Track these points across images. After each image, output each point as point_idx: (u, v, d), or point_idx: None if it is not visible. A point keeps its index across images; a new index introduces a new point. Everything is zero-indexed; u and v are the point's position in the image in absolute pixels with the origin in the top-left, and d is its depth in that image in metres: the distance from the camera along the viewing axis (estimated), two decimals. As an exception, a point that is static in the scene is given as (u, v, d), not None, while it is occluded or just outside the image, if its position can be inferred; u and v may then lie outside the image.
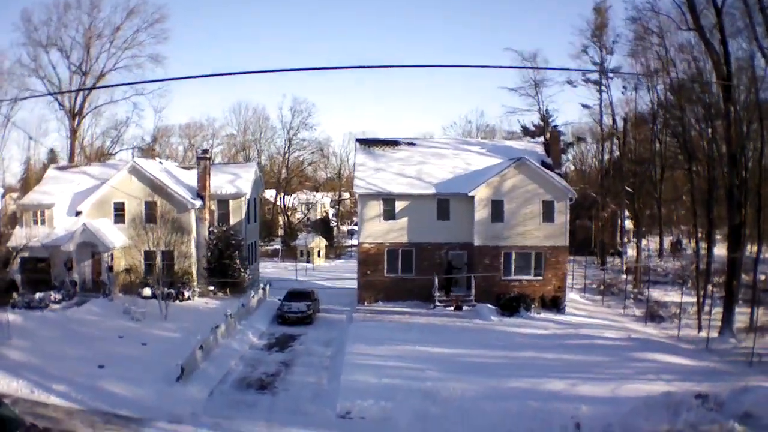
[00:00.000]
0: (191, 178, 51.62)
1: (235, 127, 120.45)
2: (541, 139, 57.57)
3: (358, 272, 48.33)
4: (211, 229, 50.52)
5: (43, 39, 75.41)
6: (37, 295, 43.36)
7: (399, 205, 47.17)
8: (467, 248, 46.96)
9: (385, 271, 47.66)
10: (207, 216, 50.03)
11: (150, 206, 48.44)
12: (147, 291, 45.72)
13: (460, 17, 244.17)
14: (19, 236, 48.04)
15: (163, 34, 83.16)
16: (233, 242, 50.27)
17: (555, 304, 45.75)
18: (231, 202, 52.02)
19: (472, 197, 45.49)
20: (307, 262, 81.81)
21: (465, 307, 44.82)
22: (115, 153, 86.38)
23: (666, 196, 74.26)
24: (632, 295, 54.44)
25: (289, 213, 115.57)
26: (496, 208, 45.92)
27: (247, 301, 44.35)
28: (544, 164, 49.05)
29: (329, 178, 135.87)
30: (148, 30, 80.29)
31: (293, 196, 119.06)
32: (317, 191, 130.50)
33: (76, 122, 75.33)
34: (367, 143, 53.87)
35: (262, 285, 50.48)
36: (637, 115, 71.25)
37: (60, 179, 52.09)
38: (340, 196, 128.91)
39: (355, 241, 51.47)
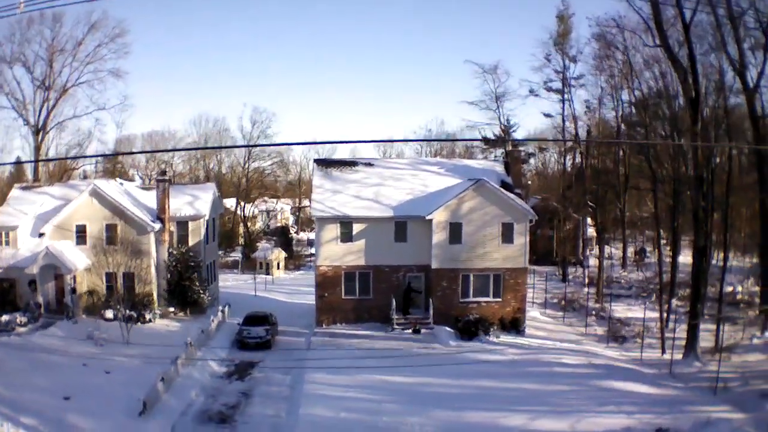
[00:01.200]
0: (151, 199, 52.96)
1: (195, 138, 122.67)
2: (501, 157, 60.00)
3: (316, 294, 49.83)
4: (170, 251, 51.95)
5: (7, 54, 76.93)
6: (4, 318, 44.35)
7: (356, 227, 48.79)
8: (425, 270, 48.78)
9: (343, 293, 49.32)
10: (166, 238, 51.48)
11: (111, 229, 49.80)
12: (109, 313, 46.87)
13: (420, 24, 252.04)
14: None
15: (123, 49, 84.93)
16: (192, 264, 51.89)
17: (514, 325, 47.69)
18: (190, 224, 53.73)
19: (430, 220, 47.32)
20: (267, 274, 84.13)
21: (423, 330, 46.50)
22: (80, 167, 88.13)
23: (630, 202, 76.90)
24: (594, 312, 56.14)
25: (249, 222, 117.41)
26: (455, 231, 47.75)
27: (207, 326, 46.00)
28: (503, 184, 50.97)
29: (290, 183, 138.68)
30: (109, 45, 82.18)
31: (253, 204, 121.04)
32: (277, 198, 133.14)
33: (39, 137, 76.93)
34: (325, 164, 55.58)
35: (221, 307, 51.96)
36: (601, 128, 73.91)
37: (23, 200, 53.21)
38: (300, 203, 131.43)
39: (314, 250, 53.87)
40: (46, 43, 78.44)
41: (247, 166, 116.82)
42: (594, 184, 73.75)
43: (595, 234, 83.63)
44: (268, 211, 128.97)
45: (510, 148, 68.55)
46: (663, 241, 63.96)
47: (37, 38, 78.61)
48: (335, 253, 49.04)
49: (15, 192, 55.56)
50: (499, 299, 48.66)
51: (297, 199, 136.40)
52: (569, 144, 78.13)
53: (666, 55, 46.89)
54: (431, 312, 47.51)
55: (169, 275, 51.40)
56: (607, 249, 78.75)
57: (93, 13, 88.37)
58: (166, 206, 51.63)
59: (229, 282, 76.54)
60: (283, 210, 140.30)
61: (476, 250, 48.07)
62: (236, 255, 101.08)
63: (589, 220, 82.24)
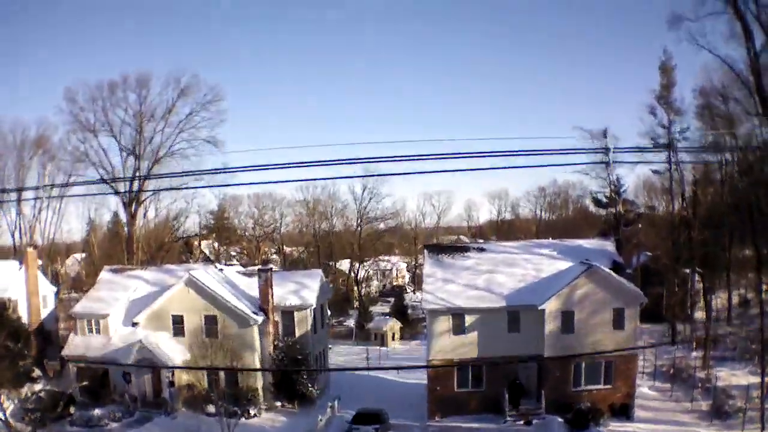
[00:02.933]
0: (253, 286, 52.97)
1: (303, 206, 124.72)
2: (612, 237, 60.08)
3: (428, 387, 50.10)
4: (276, 342, 52.07)
5: (91, 121, 77.94)
6: (97, 412, 45.19)
7: (469, 318, 49.16)
8: (537, 360, 48.96)
9: (456, 386, 49.79)
10: (271, 329, 51.59)
11: (210, 320, 50.23)
12: (211, 408, 47.19)
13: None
14: (74, 345, 50.79)
15: (219, 117, 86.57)
16: (299, 357, 51.89)
17: (624, 411, 48.04)
18: (296, 314, 53.62)
19: (543, 309, 47.70)
20: (381, 345, 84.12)
21: (535, 421, 46.91)
22: (179, 238, 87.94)
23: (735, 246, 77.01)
24: (700, 384, 55.59)
25: (363, 284, 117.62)
26: (567, 320, 48.01)
27: (314, 426, 46.31)
28: (615, 264, 51.33)
29: (403, 238, 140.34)
30: (202, 112, 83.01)
31: (367, 264, 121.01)
32: (392, 255, 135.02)
33: (133, 209, 77.42)
34: (436, 250, 56.17)
35: (329, 404, 51.20)
36: (708, 192, 74.00)
37: (114, 284, 53.84)
38: (416, 260, 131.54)
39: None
40: (133, 109, 79.01)
41: (359, 230, 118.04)
42: (701, 240, 73.90)
43: (701, 286, 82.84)
44: (383, 272, 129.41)
45: (620, 207, 69.52)
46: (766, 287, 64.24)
47: (123, 104, 79.32)
48: (447, 345, 49.38)
49: (105, 275, 56.04)
50: (610, 386, 48.91)
51: (413, 258, 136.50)
52: (677, 209, 77.59)
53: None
54: (543, 402, 47.84)
55: (275, 367, 51.53)
56: (713, 300, 78.67)
57: (183, 78, 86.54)
58: (270, 296, 51.73)
59: (342, 357, 76.82)
60: (399, 268, 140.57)
61: (588, 338, 48.09)
62: (350, 322, 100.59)
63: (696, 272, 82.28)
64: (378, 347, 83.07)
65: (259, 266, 53.93)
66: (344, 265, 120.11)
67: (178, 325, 50.90)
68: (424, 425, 48.83)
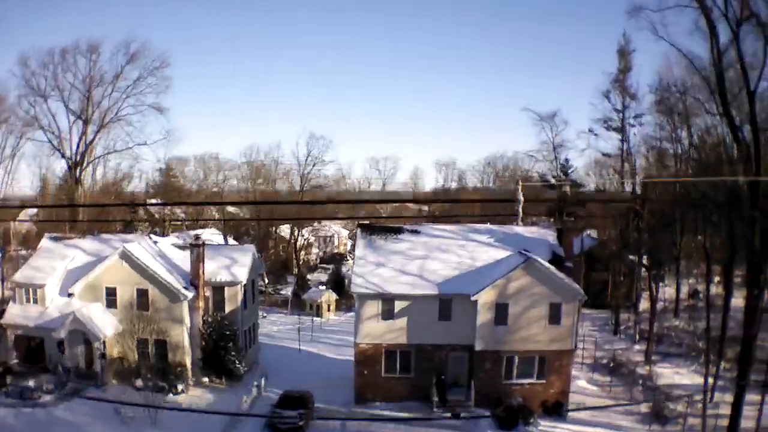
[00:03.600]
0: (188, 259, 52.17)
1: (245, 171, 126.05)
2: (552, 225, 58.45)
3: (355, 372, 49.02)
4: (205, 317, 51.43)
5: (42, 87, 78.52)
6: (31, 382, 44.73)
7: (399, 304, 47.84)
8: (468, 350, 47.73)
9: (383, 371, 48.68)
10: (201, 305, 51.02)
11: (142, 294, 49.70)
12: (140, 382, 47.01)
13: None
14: (12, 313, 50.34)
15: (165, 82, 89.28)
16: (228, 332, 51.22)
17: (557, 409, 46.78)
18: (227, 290, 52.83)
19: (476, 300, 46.33)
20: (316, 315, 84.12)
21: (463, 414, 45.40)
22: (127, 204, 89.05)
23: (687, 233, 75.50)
24: (641, 381, 54.45)
25: (302, 252, 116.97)
26: (500, 312, 46.57)
27: (238, 406, 45.83)
28: (554, 256, 50.03)
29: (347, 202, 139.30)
30: (149, 78, 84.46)
31: (308, 229, 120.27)
32: (336, 220, 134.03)
33: (77, 172, 77.71)
34: (370, 230, 54.46)
35: (255, 383, 50.80)
36: (658, 184, 72.64)
37: (53, 253, 53.32)
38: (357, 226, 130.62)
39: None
40: (82, 74, 79.92)
41: (301, 193, 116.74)
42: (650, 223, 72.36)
43: (646, 273, 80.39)
44: (324, 238, 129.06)
45: (567, 189, 67.95)
46: (717, 279, 62.48)
47: (72, 69, 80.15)
48: (376, 330, 48.22)
49: (46, 243, 55.64)
50: (543, 380, 47.65)
51: (356, 223, 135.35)
52: (627, 198, 75.69)
53: (727, 126, 46.78)
54: (472, 394, 46.76)
55: (203, 343, 51.03)
56: (660, 288, 77.79)
57: (132, 44, 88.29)
58: (201, 272, 51.13)
59: (276, 327, 76.63)
60: (341, 235, 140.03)
61: (521, 332, 46.88)
62: (287, 291, 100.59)
63: (644, 260, 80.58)
64: (312, 318, 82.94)
65: (191, 241, 52.76)
66: (286, 231, 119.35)
67: (111, 297, 50.37)
68: (349, 410, 47.74)
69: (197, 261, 51.08)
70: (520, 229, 56.22)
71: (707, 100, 51.72)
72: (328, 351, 64.29)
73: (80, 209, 77.65)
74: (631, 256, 77.19)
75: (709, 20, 47.16)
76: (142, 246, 52.32)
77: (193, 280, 51.13)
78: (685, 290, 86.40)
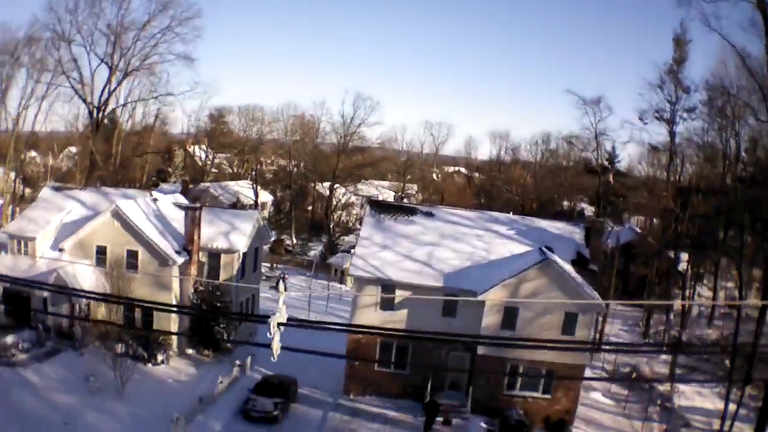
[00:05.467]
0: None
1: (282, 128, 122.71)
2: (582, 225, 52.61)
3: (347, 362, 44.92)
4: (196, 285, 48.16)
5: (67, 31, 75.25)
6: (9, 339, 42.23)
7: (400, 294, 43.57)
8: (471, 351, 43.40)
9: (376, 364, 44.85)
10: (193, 272, 47.56)
11: (132, 255, 46.68)
12: (120, 348, 43.83)
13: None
14: (3, 264, 47.58)
15: (194, 32, 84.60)
16: (219, 304, 47.76)
17: (559, 428, 42.06)
18: (222, 257, 49.37)
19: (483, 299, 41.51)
20: (340, 282, 79.95)
21: (455, 420, 41.25)
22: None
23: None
24: (659, 401, 49.71)
25: (337, 212, 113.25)
26: (509, 315, 41.86)
27: (214, 387, 42.09)
28: (579, 257, 44.83)
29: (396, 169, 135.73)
30: (179, 28, 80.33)
31: (349, 188, 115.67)
32: (383, 180, 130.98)
33: (99, 117, 75.25)
34: (379, 208, 50.01)
35: (238, 362, 46.54)
36: (706, 186, 67.82)
37: (51, 204, 50.68)
38: (404, 191, 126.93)
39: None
40: (110, 21, 76.88)
41: (341, 154, 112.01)
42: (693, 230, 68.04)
43: (689, 271, 75.56)
44: (365, 198, 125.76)
45: (611, 178, 63.00)
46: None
47: (100, 15, 76.87)
48: (372, 320, 43.39)
49: (46, 192, 53.17)
50: (548, 396, 42.75)
51: (402, 185, 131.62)
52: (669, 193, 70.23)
53: None
54: (470, 401, 42.20)
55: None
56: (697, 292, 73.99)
57: None
58: (195, 237, 47.51)
59: (294, 292, 72.10)
60: (385, 197, 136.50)
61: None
62: (315, 250, 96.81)
63: (684, 256, 74.81)
64: (337, 284, 78.91)
65: (186, 205, 49.08)
66: (326, 188, 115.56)
67: (101, 256, 47.30)
68: (335, 401, 43.81)
69: (192, 225, 47.43)
70: (545, 222, 50.67)
71: (758, 105, 45.91)
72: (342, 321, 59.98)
73: (113, 153, 75.77)
74: (671, 253, 71.03)
75: (765, 15, 41.58)
76: (138, 204, 48.93)
77: (187, 245, 47.53)
78: (722, 295, 79.88)
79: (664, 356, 60.01)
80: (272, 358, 11.40)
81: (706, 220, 64.98)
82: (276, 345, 11.13)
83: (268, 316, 10.96)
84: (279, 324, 11.03)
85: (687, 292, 65.82)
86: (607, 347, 59.70)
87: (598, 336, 56.97)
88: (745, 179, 55.55)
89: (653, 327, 69.97)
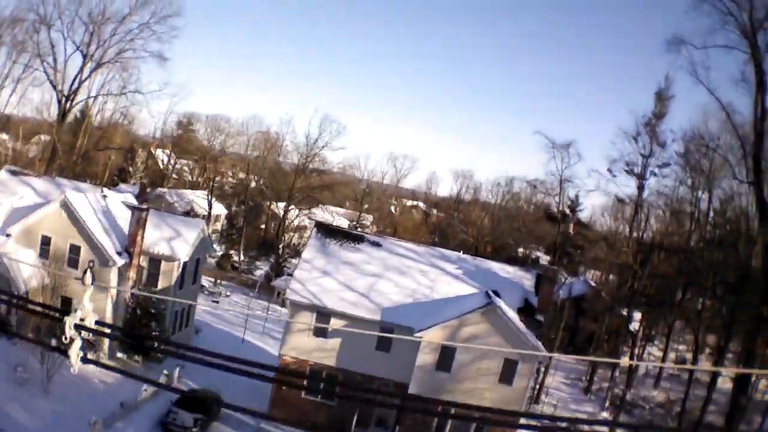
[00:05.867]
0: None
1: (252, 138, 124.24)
2: (533, 273, 51.04)
3: (273, 386, 43.03)
4: (133, 290, 47.01)
5: (47, 15, 74.58)
6: None
7: (335, 322, 42.28)
8: (402, 389, 41.77)
9: (303, 392, 43.22)
10: (133, 275, 46.47)
11: (74, 250, 45.62)
12: (53, 342, 43.16)
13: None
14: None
15: (171, 32, 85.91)
16: (153, 311, 46.85)
17: None
18: (163, 263, 48.28)
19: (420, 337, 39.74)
20: (282, 305, 78.23)
21: None
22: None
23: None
24: None
25: (288, 233, 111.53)
26: (445, 356, 40.38)
27: (137, 395, 41.00)
28: (526, 304, 43.46)
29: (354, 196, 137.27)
30: (157, 25, 79.82)
31: (303, 210, 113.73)
32: (339, 207, 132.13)
33: (67, 107, 74.74)
34: (326, 232, 48.62)
35: (165, 372, 45.19)
36: (669, 244, 66.48)
37: (5, 187, 49.71)
38: (359, 220, 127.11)
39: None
40: (91, 10, 76.66)
41: (299, 174, 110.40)
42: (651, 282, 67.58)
43: (639, 330, 74.15)
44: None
45: (571, 228, 62.01)
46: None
47: (84, 1, 79.10)
48: (304, 345, 42.59)
49: (2, 175, 51.99)
50: (478, 450, 40.90)
51: (358, 214, 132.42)
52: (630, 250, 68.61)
53: (754, 195, 41.51)
54: (395, 440, 40.65)
55: (127, 316, 46.66)
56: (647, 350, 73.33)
57: None
58: (138, 239, 46.38)
59: (234, 310, 71.33)
60: (339, 223, 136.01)
61: (465, 384, 40.29)
62: (261, 269, 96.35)
63: (637, 315, 73.21)
64: (279, 307, 76.92)
65: (133, 205, 47.97)
66: (281, 207, 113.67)
67: (45, 246, 46.27)
68: (257, 426, 42.23)
69: (137, 226, 46.32)
70: (495, 265, 49.13)
71: (737, 163, 44.71)
72: (274, 347, 58.21)
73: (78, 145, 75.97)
74: (624, 311, 69.34)
75: (758, 69, 40.41)
76: (87, 198, 47.82)
77: (129, 247, 46.34)
78: (672, 356, 78.11)
79: (605, 413, 58.48)
80: (72, 371, 9.34)
81: (665, 279, 63.67)
82: (75, 353, 8.96)
83: (67, 312, 8.94)
84: (78, 326, 8.85)
85: (636, 351, 64.07)
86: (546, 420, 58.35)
87: (537, 387, 55.22)
88: (713, 240, 54.15)
89: (597, 383, 68.09)
